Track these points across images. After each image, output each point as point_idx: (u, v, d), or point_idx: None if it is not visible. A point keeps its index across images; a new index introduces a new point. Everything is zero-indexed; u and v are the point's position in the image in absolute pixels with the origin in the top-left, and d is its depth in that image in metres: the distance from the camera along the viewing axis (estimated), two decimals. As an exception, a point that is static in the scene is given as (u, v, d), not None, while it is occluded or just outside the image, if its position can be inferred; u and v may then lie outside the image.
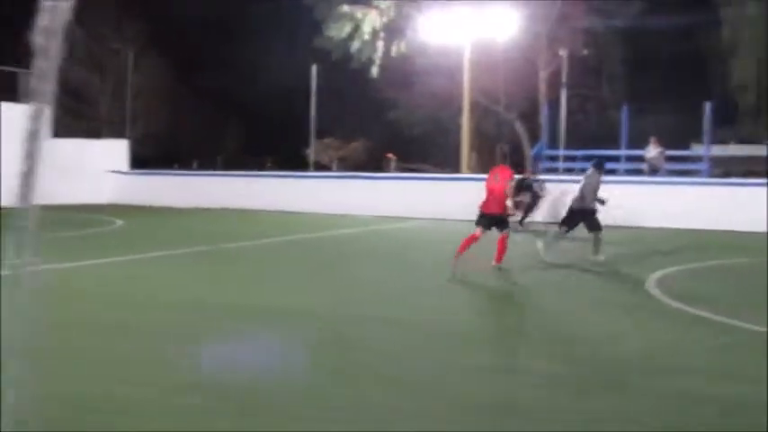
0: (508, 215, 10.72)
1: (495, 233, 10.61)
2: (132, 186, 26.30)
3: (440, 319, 7.43)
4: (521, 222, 18.64)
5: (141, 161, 30.87)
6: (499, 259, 10.62)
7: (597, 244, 11.94)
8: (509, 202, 10.50)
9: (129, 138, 29.91)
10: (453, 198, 22.10)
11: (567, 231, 12.34)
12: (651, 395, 4.98)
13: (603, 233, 12.13)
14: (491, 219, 10.50)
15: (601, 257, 11.84)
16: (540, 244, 12.27)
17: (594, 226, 11.97)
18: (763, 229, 18.19)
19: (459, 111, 28.46)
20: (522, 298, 9.30)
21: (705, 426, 4.43)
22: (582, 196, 12.09)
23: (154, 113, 41.57)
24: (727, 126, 30.80)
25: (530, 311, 8.21)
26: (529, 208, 19.20)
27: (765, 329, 6.95)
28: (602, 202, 12.30)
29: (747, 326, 7.24)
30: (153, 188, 26.35)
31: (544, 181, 19.74)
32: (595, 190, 12.11)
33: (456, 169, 29.02)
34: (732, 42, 27.48)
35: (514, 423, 4.39)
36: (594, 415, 4.56)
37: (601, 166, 12.51)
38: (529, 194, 19.24)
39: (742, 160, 37.15)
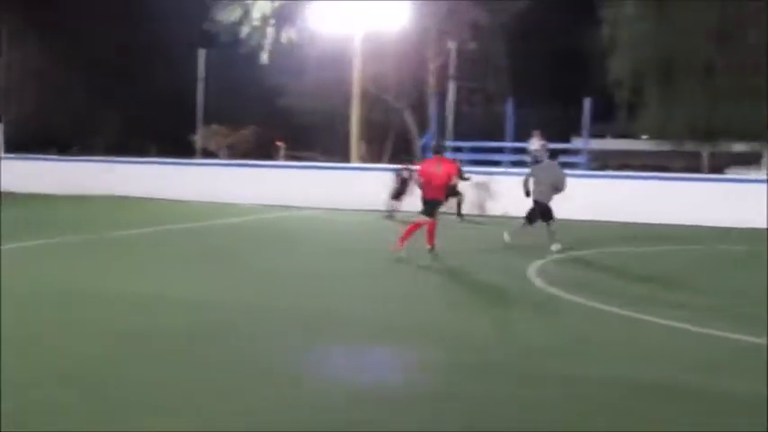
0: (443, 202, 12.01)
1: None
2: (6, 172, 24.98)
3: (321, 308, 7.47)
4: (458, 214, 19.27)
5: (16, 145, 29.30)
6: (431, 241, 11.56)
7: (553, 234, 12.81)
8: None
9: (1, 120, 28.36)
10: (343, 188, 22.20)
11: (531, 224, 13.18)
12: (513, 376, 5.20)
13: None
14: (430, 204, 11.52)
15: (557, 246, 12.61)
16: (506, 235, 13.19)
17: (550, 217, 12.95)
18: (638, 219, 19.21)
19: (349, 100, 28.53)
20: (405, 288, 9.42)
21: (567, 405, 4.66)
22: (545, 190, 12.98)
23: (29, 94, 39.55)
24: (605, 121, 32.21)
25: (408, 300, 8.34)
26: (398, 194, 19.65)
27: (631, 313, 7.39)
28: (529, 194, 13.09)
29: (615, 310, 7.66)
30: (29, 174, 25.15)
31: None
32: (555, 184, 13.03)
33: (345, 158, 29.11)
34: (610, 40, 28.67)
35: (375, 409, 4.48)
36: (466, 399, 4.71)
37: (555, 158, 13.70)
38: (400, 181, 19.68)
39: (618, 154, 38.99)
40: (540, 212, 13.05)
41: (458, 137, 25.89)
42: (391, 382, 5.09)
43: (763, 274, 10.19)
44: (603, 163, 36.42)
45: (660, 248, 14.32)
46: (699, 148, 29.66)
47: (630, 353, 6.11)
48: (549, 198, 13.05)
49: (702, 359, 6.00)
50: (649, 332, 6.93)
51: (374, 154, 35.46)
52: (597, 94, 26.23)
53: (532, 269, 10.51)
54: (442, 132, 25.92)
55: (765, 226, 17.74)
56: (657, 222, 19.00)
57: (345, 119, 29.82)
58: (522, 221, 13.24)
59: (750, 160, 31.17)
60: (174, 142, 38.36)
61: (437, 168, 11.60)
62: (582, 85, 26.23)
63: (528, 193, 13.09)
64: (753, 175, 27.15)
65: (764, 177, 21.58)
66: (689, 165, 29.54)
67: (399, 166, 20.52)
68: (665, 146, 30.62)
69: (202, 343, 5.94)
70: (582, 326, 7.17)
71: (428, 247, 11.57)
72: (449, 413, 4.45)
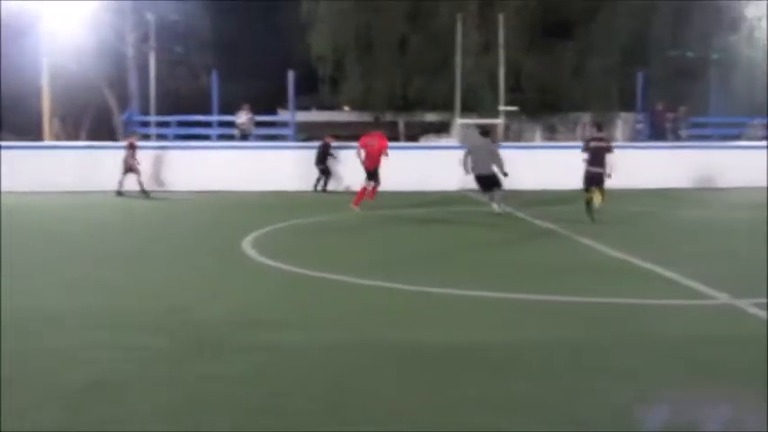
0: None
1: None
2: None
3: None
4: None
5: None
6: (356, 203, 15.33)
7: (501, 198, 14.59)
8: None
9: None
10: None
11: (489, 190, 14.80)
12: (244, 351, 5.23)
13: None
14: (369, 173, 15.74)
15: (498, 209, 14.46)
16: (494, 206, 14.59)
17: (498, 184, 14.62)
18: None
19: (38, 75, 26.21)
20: (101, 273, 8.97)
21: (297, 376, 4.78)
22: (482, 162, 14.59)
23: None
24: (310, 93, 32.98)
25: (105, 285, 7.97)
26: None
27: (332, 276, 7.73)
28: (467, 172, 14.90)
29: (335, 277, 7.96)
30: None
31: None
32: (493, 154, 14.68)
33: (38, 137, 26.78)
34: (311, 15, 29.34)
35: (102, 399, 4.26)
36: (194, 383, 4.63)
37: (487, 133, 15.67)
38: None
39: (324, 125, 40.18)
40: (487, 183, 14.67)
41: (162, 112, 24.99)
42: (108, 372, 4.82)
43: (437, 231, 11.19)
44: (311, 134, 37.33)
45: (363, 213, 15.08)
46: (396, 118, 31.57)
47: (331, 317, 6.39)
48: (489, 169, 14.56)
49: (414, 315, 6.46)
50: (354, 294, 7.30)
51: (70, 132, 33.09)
52: (301, 68, 26.76)
53: (247, 241, 10.54)
54: (145, 107, 24.86)
55: (456, 188, 19.46)
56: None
57: (37, 95, 27.38)
58: (499, 192, 14.65)
59: (441, 129, 33.86)
60: None
61: (372, 143, 15.89)
62: (286, 59, 26.57)
63: (469, 171, 14.80)
64: (444, 141, 29.63)
65: (455, 144, 23.61)
66: (389, 134, 31.36)
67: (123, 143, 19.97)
68: (366, 116, 32.17)
69: None
70: (290, 293, 7.35)
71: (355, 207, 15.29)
72: (164, 397, 4.33)
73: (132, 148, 19.84)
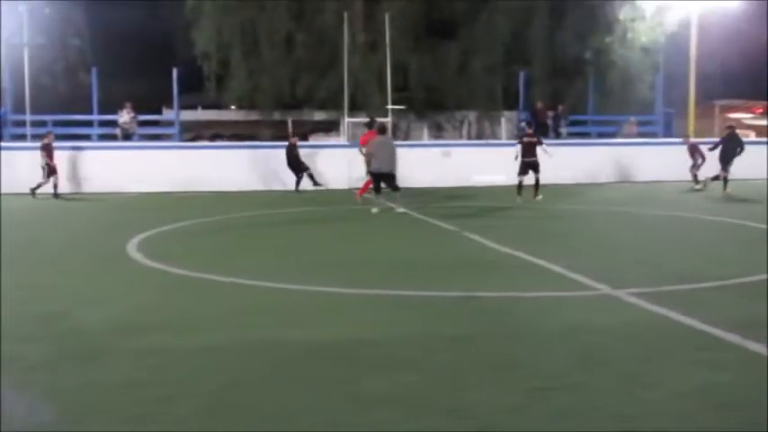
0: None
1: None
2: None
3: None
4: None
5: None
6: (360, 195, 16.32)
7: (400, 198, 14.58)
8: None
9: None
10: None
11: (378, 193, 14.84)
12: (129, 357, 5.02)
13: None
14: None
15: (401, 209, 14.28)
16: (397, 208, 14.41)
17: (395, 185, 14.70)
18: (225, 188, 19.68)
19: None
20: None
21: (181, 379, 4.62)
22: (385, 161, 14.53)
23: None
24: (195, 91, 32.23)
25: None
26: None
27: (216, 277, 7.57)
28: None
29: (220, 278, 7.78)
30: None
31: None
32: (393, 153, 14.65)
33: None
34: (196, 11, 28.66)
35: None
36: (74, 392, 4.41)
37: (384, 131, 15.29)
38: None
39: (210, 124, 39.40)
40: (386, 181, 14.67)
41: (38, 110, 23.82)
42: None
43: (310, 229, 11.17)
44: (197, 134, 36.55)
45: (250, 214, 14.88)
46: (285, 117, 31.29)
47: (214, 318, 6.25)
48: (392, 166, 14.66)
49: (299, 313, 6.38)
50: (242, 294, 7.16)
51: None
52: (186, 65, 26.12)
53: (133, 244, 10.19)
54: (19, 106, 23.63)
55: (345, 186, 19.48)
56: (247, 190, 19.77)
57: None
58: (397, 193, 14.65)
59: (330, 127, 33.81)
60: None
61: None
62: (170, 56, 25.86)
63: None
64: (333, 140, 29.60)
65: (345, 142, 23.63)
66: (277, 133, 31.02)
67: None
68: (253, 115, 31.73)
69: None
70: (174, 296, 7.13)
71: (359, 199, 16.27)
72: (42, 407, 4.10)
73: (48, 149, 18.92)
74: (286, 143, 21.08)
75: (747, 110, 40.03)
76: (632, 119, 27.05)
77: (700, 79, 27.37)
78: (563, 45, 28.46)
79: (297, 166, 20.28)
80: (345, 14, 23.95)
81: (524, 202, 16.36)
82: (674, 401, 4.13)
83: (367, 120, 17.93)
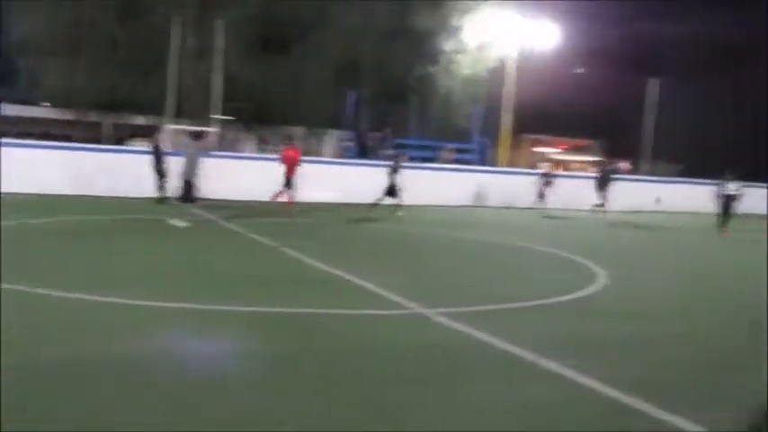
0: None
1: None
2: None
3: None
4: None
5: None
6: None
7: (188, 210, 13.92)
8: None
9: None
10: None
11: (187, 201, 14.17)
12: None
13: None
14: (288, 180, 17.70)
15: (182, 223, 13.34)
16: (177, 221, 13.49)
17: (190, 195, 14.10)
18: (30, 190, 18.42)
19: None
20: None
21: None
22: (186, 169, 13.93)
23: None
24: (5, 86, 30.04)
25: None
26: None
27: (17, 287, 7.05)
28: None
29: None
30: None
31: None
32: (194, 162, 14.04)
33: None
34: (8, -1, 26.78)
35: None
36: None
37: (200, 136, 15.25)
38: None
39: (19, 120, 36.76)
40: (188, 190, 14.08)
41: None
42: None
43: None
44: (5, 130, 33.99)
45: (54, 220, 14.00)
46: (102, 119, 29.82)
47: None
48: (195, 176, 14.06)
49: (107, 326, 6.04)
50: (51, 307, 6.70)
51: None
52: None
53: None
54: None
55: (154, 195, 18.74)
56: (54, 193, 18.59)
57: None
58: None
59: (150, 133, 32.59)
60: None
61: (290, 155, 17.93)
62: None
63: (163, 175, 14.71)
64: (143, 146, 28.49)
65: (168, 150, 22.81)
66: (90, 134, 29.47)
67: None
68: (68, 114, 30.00)
69: None
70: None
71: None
72: None
73: None
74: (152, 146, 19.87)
75: (555, 145, 43.05)
76: (449, 146, 28.22)
77: (514, 113, 29.11)
78: (391, 69, 29.31)
79: (161, 170, 19.28)
80: (175, 18, 23.27)
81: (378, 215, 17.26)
82: (487, 419, 4.28)
83: (198, 129, 17.54)
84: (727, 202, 19.54)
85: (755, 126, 40.90)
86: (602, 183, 23.01)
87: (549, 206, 21.38)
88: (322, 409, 4.28)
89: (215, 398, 4.37)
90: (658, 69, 34.51)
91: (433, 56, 29.96)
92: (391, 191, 18.37)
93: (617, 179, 23.42)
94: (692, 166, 32.78)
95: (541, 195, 21.62)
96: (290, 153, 18.34)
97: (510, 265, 11.56)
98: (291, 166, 18.03)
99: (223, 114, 23.38)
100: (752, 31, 40.53)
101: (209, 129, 22.97)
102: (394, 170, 18.69)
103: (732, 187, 19.62)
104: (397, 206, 18.11)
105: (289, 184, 18.02)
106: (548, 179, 21.82)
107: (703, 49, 42.24)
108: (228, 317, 6.60)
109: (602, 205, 22.45)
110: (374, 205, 17.80)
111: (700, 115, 41.29)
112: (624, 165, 33.96)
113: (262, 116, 28.44)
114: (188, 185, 14.30)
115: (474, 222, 18.73)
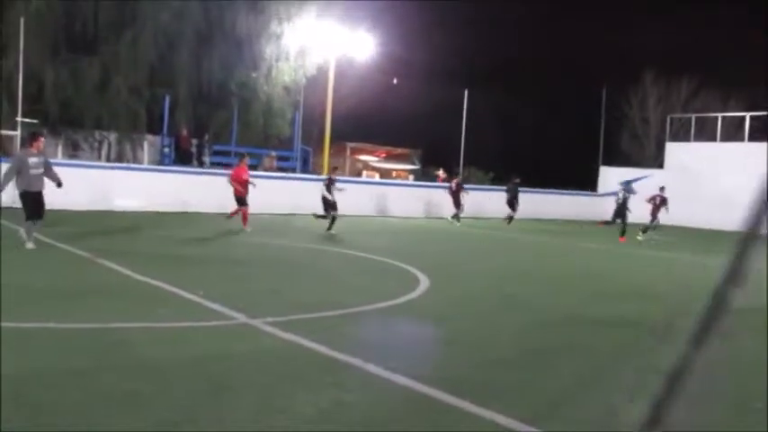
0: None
1: None
2: None
3: None
4: None
5: None
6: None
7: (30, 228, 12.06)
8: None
9: None
10: None
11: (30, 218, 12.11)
12: None
13: None
14: (240, 199, 17.70)
15: (30, 245, 11.83)
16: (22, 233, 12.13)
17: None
18: None
19: None
20: None
21: None
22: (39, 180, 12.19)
23: None
24: None
25: None
26: None
27: None
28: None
29: None
30: None
31: None
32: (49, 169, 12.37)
33: None
34: None
35: None
36: None
37: (33, 138, 12.58)
38: None
39: None
40: (34, 202, 12.06)
41: None
42: None
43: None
44: None
45: None
46: None
47: None
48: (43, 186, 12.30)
49: None
50: None
51: None
52: None
53: None
54: None
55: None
56: None
57: None
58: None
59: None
60: None
61: (240, 173, 17.78)
62: None
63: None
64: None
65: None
66: None
67: None
68: None
69: None
70: None
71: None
72: None
73: None
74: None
75: (373, 153, 44.20)
76: (272, 153, 28.19)
77: (334, 121, 29.58)
78: (209, 73, 28.71)
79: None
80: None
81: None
82: (304, 425, 4.39)
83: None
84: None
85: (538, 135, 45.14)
86: (511, 197, 26.07)
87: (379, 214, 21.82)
88: (120, 425, 4.20)
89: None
90: (470, 80, 36.39)
91: (253, 61, 29.69)
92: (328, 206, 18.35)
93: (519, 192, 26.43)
94: (502, 174, 34.93)
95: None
96: (237, 172, 17.94)
97: (335, 273, 11.76)
98: (242, 183, 17.68)
99: (27, 117, 21.85)
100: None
101: (13, 132, 21.50)
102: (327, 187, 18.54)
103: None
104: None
105: (242, 202, 17.73)
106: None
107: (504, 63, 45.19)
108: (28, 333, 6.26)
109: (511, 218, 25.58)
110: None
111: (505, 125, 44.08)
112: (441, 173, 35.47)
113: (70, 119, 26.90)
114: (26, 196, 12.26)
115: (300, 229, 18.84)
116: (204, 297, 8.17)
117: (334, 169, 21.88)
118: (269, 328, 6.88)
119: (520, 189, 26.46)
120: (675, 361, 1.20)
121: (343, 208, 19.62)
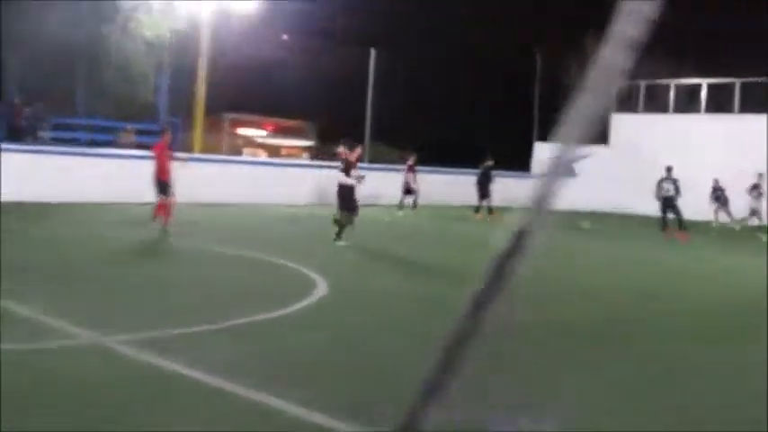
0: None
1: None
2: None
3: None
4: None
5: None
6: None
7: None
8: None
9: None
10: None
11: None
12: None
13: None
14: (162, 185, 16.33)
15: None
16: None
17: None
18: None
19: None
20: None
21: None
22: None
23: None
24: None
25: None
26: None
27: None
28: None
29: None
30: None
31: None
32: None
33: None
34: None
35: None
36: None
37: None
38: None
39: None
40: None
41: None
42: None
43: None
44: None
45: None
46: None
47: None
48: None
49: None
50: None
51: None
52: None
53: None
54: None
55: None
56: None
57: None
58: None
59: None
60: None
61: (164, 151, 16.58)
62: None
63: None
64: None
65: None
66: None
67: None
68: None
69: None
70: None
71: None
72: None
73: None
74: None
75: (259, 126, 43.79)
76: (129, 126, 27.71)
77: (210, 87, 29.05)
78: (47, 26, 27.65)
79: None
80: None
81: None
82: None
83: None
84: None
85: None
86: (483, 182, 26.38)
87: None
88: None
89: None
90: (378, 38, 36.41)
91: (104, 12, 28.96)
92: None
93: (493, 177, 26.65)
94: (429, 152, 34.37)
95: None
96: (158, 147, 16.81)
97: (208, 277, 11.75)
98: (163, 164, 16.36)
99: None
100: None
101: None
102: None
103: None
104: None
105: (164, 189, 16.30)
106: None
107: (421, 17, 45.51)
108: None
109: (490, 209, 25.31)
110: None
111: (420, 93, 44.32)
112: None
113: None
114: None
115: (181, 222, 18.54)
116: (46, 312, 8.16)
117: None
118: (124, 348, 7.02)
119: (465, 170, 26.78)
120: (452, 332, 1.66)
121: (213, 195, 19.49)
